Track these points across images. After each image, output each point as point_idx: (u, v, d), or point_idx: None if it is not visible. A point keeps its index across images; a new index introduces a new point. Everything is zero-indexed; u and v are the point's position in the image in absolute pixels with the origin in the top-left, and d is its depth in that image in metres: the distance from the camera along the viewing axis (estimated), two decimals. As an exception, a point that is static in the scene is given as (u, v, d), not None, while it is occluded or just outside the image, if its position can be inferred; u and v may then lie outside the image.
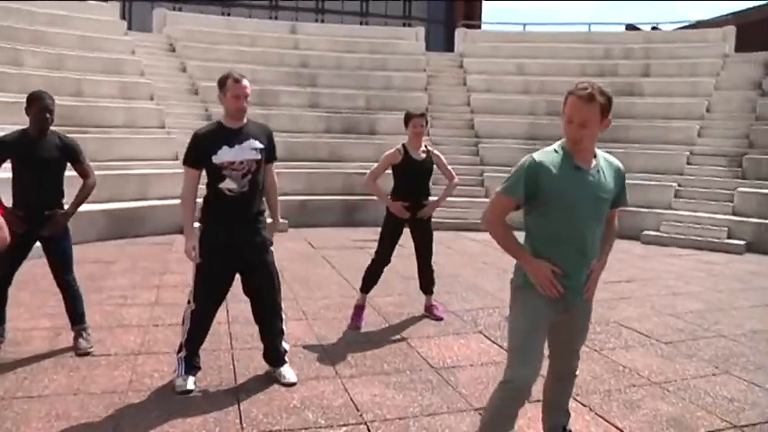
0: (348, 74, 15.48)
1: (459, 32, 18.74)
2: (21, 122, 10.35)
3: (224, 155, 3.71)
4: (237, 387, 3.87)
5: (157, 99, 12.34)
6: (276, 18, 28.69)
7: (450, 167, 5.54)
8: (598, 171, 2.65)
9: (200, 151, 3.76)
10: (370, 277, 5.32)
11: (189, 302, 3.87)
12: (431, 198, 5.36)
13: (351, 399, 3.76)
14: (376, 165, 5.27)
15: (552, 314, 2.71)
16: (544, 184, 2.57)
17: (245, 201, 3.81)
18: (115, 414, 3.44)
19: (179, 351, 3.88)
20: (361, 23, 31.78)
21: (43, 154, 4.23)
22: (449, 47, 23.06)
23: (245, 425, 3.36)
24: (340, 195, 11.70)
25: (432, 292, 5.61)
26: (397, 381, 4.08)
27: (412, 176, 5.20)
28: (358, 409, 3.61)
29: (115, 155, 10.00)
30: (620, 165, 2.78)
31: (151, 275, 6.86)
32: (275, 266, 4.06)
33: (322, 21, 32.08)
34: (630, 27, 23.75)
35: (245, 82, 3.77)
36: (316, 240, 9.52)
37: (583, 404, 3.77)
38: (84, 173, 4.47)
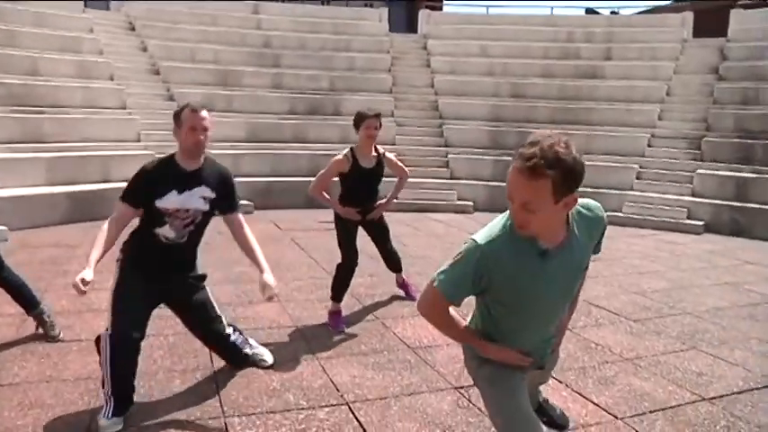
0: (312, 54, 15.30)
1: (423, 14, 18.67)
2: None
3: (170, 200, 3.28)
4: (215, 371, 3.81)
5: (117, 79, 12.00)
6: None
7: (400, 164, 5.21)
8: (571, 245, 1.99)
9: (144, 191, 3.29)
10: (341, 284, 4.89)
11: (106, 329, 3.23)
12: (380, 201, 5.07)
13: (330, 380, 3.75)
14: (320, 172, 4.84)
15: (524, 374, 2.25)
16: (498, 281, 1.95)
17: (179, 251, 3.43)
18: (90, 399, 3.36)
19: (103, 385, 3.16)
20: (322, 3, 31.41)
21: None
22: (411, 28, 22.96)
23: (225, 408, 3.33)
24: (305, 177, 11.50)
25: (401, 269, 5.56)
26: (375, 361, 4.09)
27: (360, 184, 4.84)
28: (338, 390, 3.61)
29: (75, 136, 9.71)
30: (599, 214, 2.12)
31: (117, 259, 6.68)
32: (210, 301, 3.68)
33: (284, 0, 31.61)
34: (590, 11, 24.06)
35: (204, 113, 3.29)
36: (282, 222, 9.43)
37: (559, 380, 3.84)
38: None
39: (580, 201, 2.00)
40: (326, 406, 3.40)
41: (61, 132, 9.65)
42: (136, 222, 3.42)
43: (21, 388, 3.50)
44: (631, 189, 11.25)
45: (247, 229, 3.66)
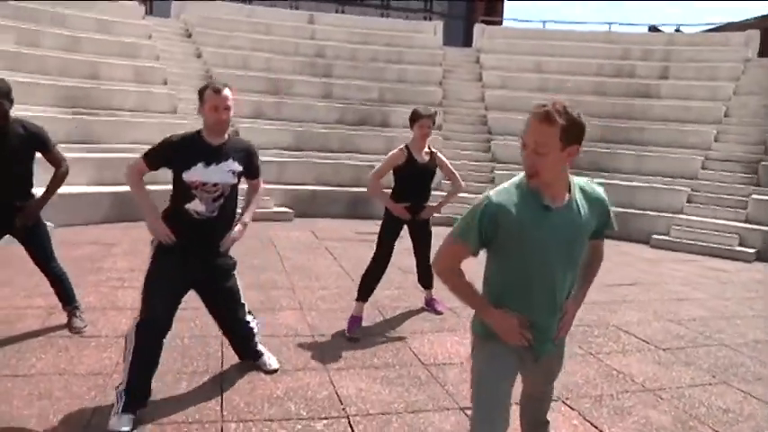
0: (363, 65, 15.43)
1: (478, 28, 18.60)
2: (40, 103, 10.45)
3: (197, 173, 3.33)
4: (223, 374, 3.84)
5: (171, 84, 12.34)
6: (297, 8, 28.65)
7: (453, 169, 5.31)
8: (572, 208, 2.17)
9: (167, 159, 3.37)
10: (369, 282, 4.98)
11: (135, 318, 3.30)
12: (430, 201, 5.18)
13: (335, 391, 3.72)
14: (378, 165, 5.06)
15: (519, 364, 2.32)
16: (503, 229, 2.13)
17: (212, 226, 3.45)
18: (97, 395, 3.42)
19: (119, 384, 3.22)
20: (381, 16, 31.71)
21: (6, 145, 3.96)
22: (468, 42, 22.90)
23: (225, 413, 3.33)
24: (348, 187, 11.64)
25: (431, 287, 5.53)
26: (384, 375, 4.03)
27: (413, 179, 5.00)
28: (341, 403, 3.57)
29: (125, 138, 10.00)
30: (601, 193, 2.29)
31: (151, 259, 6.84)
32: (237, 287, 3.77)
33: (342, 12, 32.02)
34: (653, 29, 23.45)
35: (227, 92, 3.35)
36: (320, 231, 9.48)
37: (572, 408, 3.71)
38: (54, 161, 4.25)
39: (582, 179, 2.27)
40: (326, 418, 3.37)
41: (112, 134, 9.97)
42: (167, 202, 3.48)
43: (34, 379, 3.59)
44: (681, 212, 10.86)
45: (260, 191, 3.88)
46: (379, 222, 5.13)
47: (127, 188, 3.53)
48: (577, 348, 4.82)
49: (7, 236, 4.23)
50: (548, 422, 2.54)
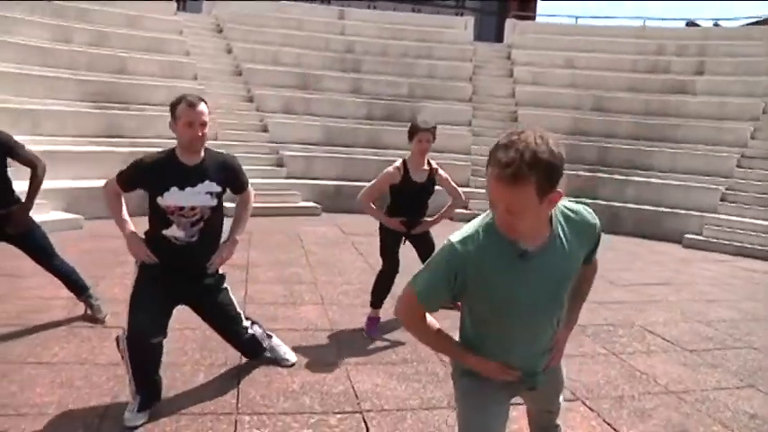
0: (393, 61, 15.39)
1: (509, 23, 18.43)
2: (70, 98, 10.66)
3: (172, 198, 3.14)
4: (240, 367, 3.85)
5: (201, 79, 12.48)
6: (329, 3, 28.71)
7: (454, 185, 4.95)
8: (554, 246, 1.85)
9: (143, 179, 3.21)
10: (381, 289, 4.80)
11: (123, 330, 3.19)
12: (427, 217, 4.87)
13: (352, 386, 3.71)
14: (371, 183, 4.75)
15: (510, 397, 2.11)
16: (474, 282, 1.82)
17: (192, 251, 3.27)
18: (116, 385, 3.46)
19: (130, 381, 3.18)
20: (413, 11, 31.58)
21: None
22: (501, 39, 22.72)
23: (240, 405, 3.35)
24: (376, 196, 11.59)
25: None
26: (402, 371, 4.01)
27: (409, 197, 4.72)
28: (357, 398, 3.56)
29: (153, 132, 10.12)
30: (590, 220, 1.94)
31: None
32: (228, 300, 3.59)
33: (374, 7, 31.98)
34: (691, 24, 22.94)
35: (203, 107, 3.11)
36: (347, 226, 9.48)
37: (591, 409, 3.64)
38: (27, 163, 4.18)
39: (567, 204, 1.91)
40: (340, 413, 3.36)
41: (140, 128, 10.13)
42: (146, 226, 3.35)
43: (56, 367, 3.67)
44: (714, 211, 10.59)
45: (250, 202, 3.63)
46: None
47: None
48: (600, 348, 4.73)
49: None
50: (558, 426, 2.40)
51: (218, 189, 3.28)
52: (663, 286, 7.05)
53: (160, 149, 3.30)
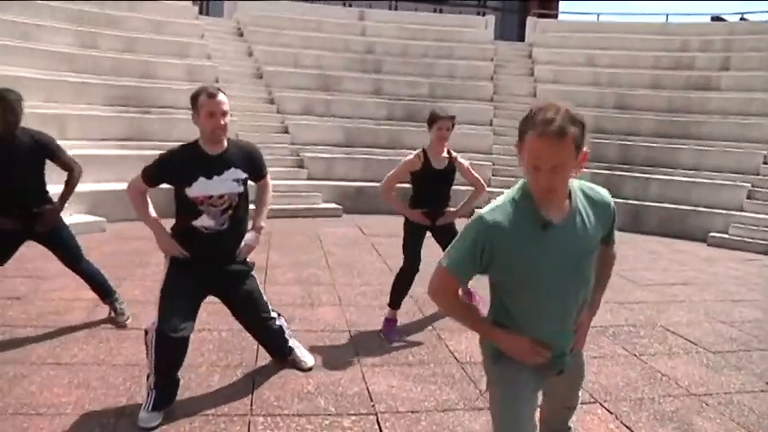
0: (413, 61, 15.35)
1: (530, 22, 18.30)
2: (96, 103, 10.81)
3: (200, 188, 3.21)
4: (256, 369, 3.87)
5: (222, 82, 12.55)
6: (350, 5, 28.76)
7: (475, 173, 4.94)
8: (575, 219, 1.95)
9: (170, 173, 3.28)
10: (400, 288, 4.79)
11: (153, 322, 3.23)
12: (450, 207, 4.86)
13: (367, 388, 3.70)
14: (392, 171, 4.78)
15: (540, 383, 2.16)
16: (501, 253, 1.91)
17: (223, 239, 3.33)
18: (132, 386, 3.50)
19: (148, 377, 3.25)
20: (434, 11, 31.51)
21: (16, 154, 4.05)
22: (523, 38, 22.59)
23: (254, 407, 3.36)
24: (397, 183, 11.59)
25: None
26: (418, 373, 3.99)
27: (430, 185, 4.73)
28: (372, 399, 3.55)
29: (177, 135, 10.17)
30: (605, 197, 2.07)
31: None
32: (256, 289, 3.67)
33: (395, 8, 31.97)
34: (716, 18, 22.55)
35: (222, 97, 3.20)
36: (367, 227, 9.49)
37: (609, 411, 3.58)
38: (65, 166, 4.31)
39: (584, 182, 2.05)
40: (354, 414, 3.35)
41: (164, 131, 10.24)
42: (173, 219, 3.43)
43: (74, 368, 3.72)
44: (741, 209, 10.38)
45: (269, 189, 3.74)
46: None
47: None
48: (620, 349, 4.67)
49: None
50: (570, 428, 2.40)
51: (244, 175, 3.36)
52: (686, 286, 6.93)
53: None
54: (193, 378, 3.65)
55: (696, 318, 5.64)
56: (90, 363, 3.81)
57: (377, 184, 11.51)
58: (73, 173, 4.34)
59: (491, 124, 13.73)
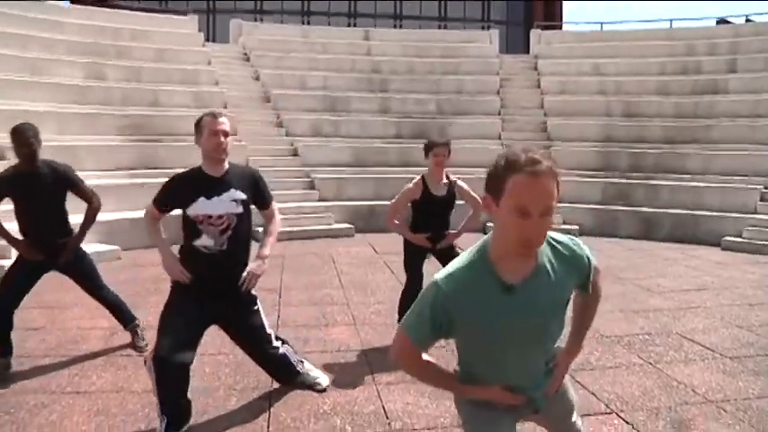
0: (419, 78, 15.48)
1: (534, 33, 18.38)
2: (106, 133, 10.97)
3: (200, 207, 3.29)
4: (272, 390, 3.90)
5: (230, 107, 12.72)
6: (355, 25, 29.06)
7: (474, 195, 4.90)
8: (540, 278, 1.80)
9: (174, 196, 3.39)
10: (407, 306, 4.90)
11: (151, 352, 3.28)
12: (451, 230, 4.92)
13: (382, 406, 3.72)
14: (394, 199, 4.89)
15: (515, 422, 2.06)
16: (460, 322, 1.78)
17: (223, 260, 3.37)
18: (150, 412, 3.52)
19: (158, 404, 3.27)
20: (439, 27, 31.73)
21: (39, 186, 4.15)
22: (528, 50, 22.71)
23: (271, 428, 3.39)
24: (398, 212, 11.63)
25: None
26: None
27: (431, 212, 4.80)
28: (387, 417, 3.57)
29: (187, 162, 10.23)
30: (578, 251, 1.90)
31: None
32: (260, 321, 3.68)
33: (400, 26, 32.26)
34: (722, 21, 22.51)
35: (224, 119, 3.36)
36: (380, 245, 9.52)
37: (626, 421, 3.57)
38: (84, 197, 4.41)
39: (553, 235, 1.87)
40: (370, 433, 3.37)
41: (174, 158, 10.34)
42: (181, 240, 3.50)
43: (94, 396, 3.78)
44: (754, 212, 10.32)
45: (276, 219, 3.76)
46: None
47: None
48: (636, 358, 4.65)
49: None
50: None
51: (243, 197, 3.41)
52: (701, 291, 6.89)
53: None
54: (211, 402, 3.69)
55: (712, 323, 5.61)
56: (109, 390, 3.86)
57: (389, 203, 11.57)
58: (92, 204, 4.44)
59: (499, 138, 13.76)
